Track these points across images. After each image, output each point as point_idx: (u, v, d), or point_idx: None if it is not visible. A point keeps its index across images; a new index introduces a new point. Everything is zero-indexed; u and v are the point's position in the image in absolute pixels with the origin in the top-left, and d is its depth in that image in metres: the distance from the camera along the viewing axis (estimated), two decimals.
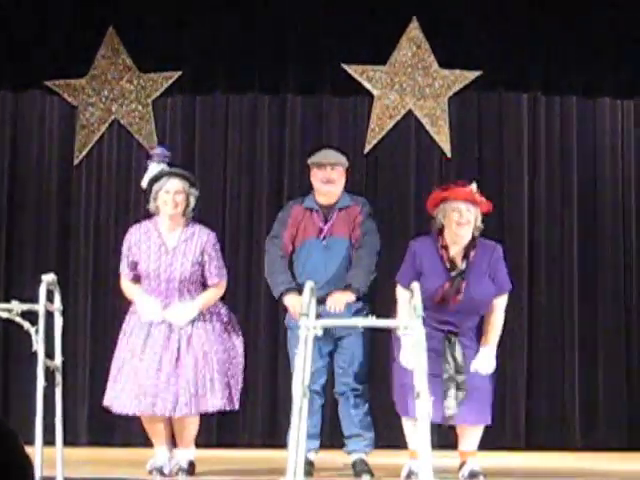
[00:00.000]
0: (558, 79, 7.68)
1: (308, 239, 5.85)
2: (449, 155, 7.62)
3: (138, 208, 7.55)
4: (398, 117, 7.74)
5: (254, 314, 7.61)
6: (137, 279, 5.80)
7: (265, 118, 7.77)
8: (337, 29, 7.67)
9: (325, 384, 5.68)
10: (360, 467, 5.62)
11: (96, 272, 7.64)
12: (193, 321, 5.64)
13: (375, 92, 7.73)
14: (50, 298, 4.84)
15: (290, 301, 5.62)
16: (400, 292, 5.36)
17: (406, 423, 5.44)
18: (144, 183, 5.89)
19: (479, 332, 5.43)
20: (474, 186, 5.52)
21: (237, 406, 5.79)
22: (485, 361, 5.30)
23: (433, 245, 5.37)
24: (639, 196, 7.65)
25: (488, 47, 7.64)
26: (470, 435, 5.42)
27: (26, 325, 4.82)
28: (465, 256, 5.33)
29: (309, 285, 4.44)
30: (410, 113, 7.74)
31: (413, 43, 7.76)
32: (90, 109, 7.85)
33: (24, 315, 4.85)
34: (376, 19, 7.59)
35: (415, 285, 4.22)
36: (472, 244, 5.35)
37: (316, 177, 5.85)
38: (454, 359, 5.35)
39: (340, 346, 5.70)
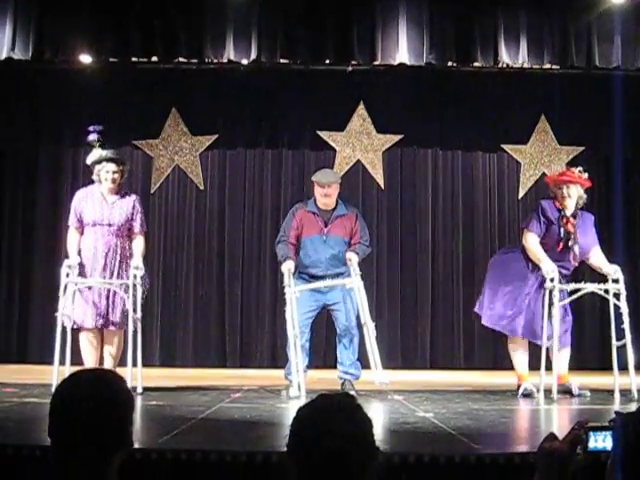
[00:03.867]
0: (450, 141, 9.43)
1: (312, 235, 6.16)
2: (383, 187, 9.38)
3: (190, 215, 9.35)
4: (351, 164, 9.39)
5: (262, 278, 9.09)
6: (81, 230, 6.09)
7: (269, 164, 9.44)
8: (314, 110, 9.27)
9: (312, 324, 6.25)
10: (348, 386, 6.16)
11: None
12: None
13: (337, 148, 9.33)
14: (135, 277, 5.94)
15: (287, 265, 6.09)
16: (529, 237, 5.98)
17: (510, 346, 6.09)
18: (88, 162, 6.18)
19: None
20: (577, 170, 6.13)
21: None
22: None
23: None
24: (501, 217, 9.36)
25: (406, 121, 9.29)
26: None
27: (122, 293, 5.89)
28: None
29: (290, 269, 5.95)
30: (359, 162, 9.39)
31: (361, 118, 9.37)
32: (161, 158, 9.34)
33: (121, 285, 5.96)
34: (338, 103, 9.28)
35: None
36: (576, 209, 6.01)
37: (318, 191, 6.22)
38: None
39: (340, 303, 6.17)
